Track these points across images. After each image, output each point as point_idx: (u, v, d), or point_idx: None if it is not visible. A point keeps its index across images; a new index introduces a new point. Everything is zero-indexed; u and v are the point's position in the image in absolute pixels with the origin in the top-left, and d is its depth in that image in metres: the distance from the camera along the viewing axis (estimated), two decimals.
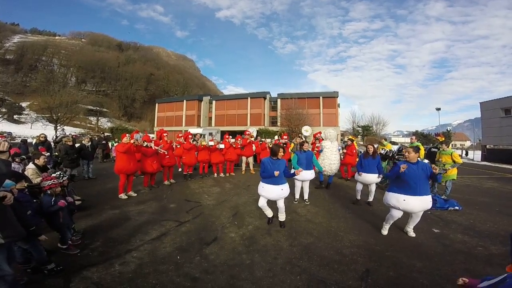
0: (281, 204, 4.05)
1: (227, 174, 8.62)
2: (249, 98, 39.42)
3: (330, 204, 5.41)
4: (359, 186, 5.51)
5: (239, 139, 9.39)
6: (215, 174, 8.40)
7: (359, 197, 5.53)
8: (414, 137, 8.11)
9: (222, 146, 8.34)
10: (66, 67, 68.92)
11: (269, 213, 4.19)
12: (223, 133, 15.96)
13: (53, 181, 3.04)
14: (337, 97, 35.74)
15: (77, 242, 3.25)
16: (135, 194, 5.82)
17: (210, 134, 24.03)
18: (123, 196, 5.56)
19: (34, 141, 10.11)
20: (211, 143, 8.10)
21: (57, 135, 9.74)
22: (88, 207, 4.65)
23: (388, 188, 3.77)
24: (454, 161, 6.09)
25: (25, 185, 2.83)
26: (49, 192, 3.00)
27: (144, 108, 65.63)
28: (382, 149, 7.98)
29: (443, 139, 6.75)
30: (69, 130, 33.32)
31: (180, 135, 8.42)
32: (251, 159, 9.33)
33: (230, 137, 9.33)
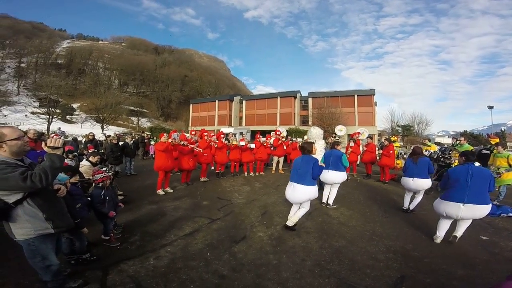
0: (302, 206, 3.84)
1: (257, 173, 8.71)
2: (278, 98, 39.35)
3: (365, 208, 5.19)
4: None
5: (269, 138, 9.41)
6: (246, 173, 8.53)
7: (405, 206, 5.01)
8: (462, 138, 7.42)
9: (253, 145, 8.44)
10: (109, 70, 74.49)
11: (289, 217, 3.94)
12: (253, 132, 16.10)
13: (104, 175, 3.30)
14: (373, 95, 33.99)
15: (118, 235, 3.47)
16: (172, 190, 6.15)
17: (241, 133, 24.43)
18: (160, 192, 5.91)
19: (84, 139, 11.23)
20: (242, 143, 8.25)
21: (101, 138, 10.66)
22: (129, 202, 5.01)
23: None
24: (510, 165, 5.46)
25: (78, 179, 3.15)
26: (100, 185, 3.24)
27: (179, 109, 68.87)
28: (426, 150, 7.39)
29: (497, 140, 6.08)
30: (114, 129, 36.35)
31: (212, 134, 8.69)
32: (281, 159, 9.30)
33: (261, 136, 9.41)
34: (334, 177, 5.01)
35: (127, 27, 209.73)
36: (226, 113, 43.96)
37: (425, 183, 4.71)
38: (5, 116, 40.69)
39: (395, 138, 8.88)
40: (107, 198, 3.24)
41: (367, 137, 8.92)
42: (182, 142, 6.48)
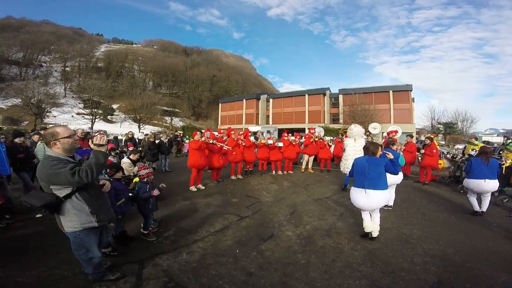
0: (374, 215, 3.55)
1: (285, 172, 8.66)
2: (306, 95, 38.63)
3: (402, 210, 4.92)
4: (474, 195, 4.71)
5: (298, 136, 9.29)
6: (274, 172, 8.54)
7: (477, 208, 4.65)
8: None
9: (281, 144, 8.42)
10: (144, 72, 78.96)
11: (367, 226, 3.56)
12: (281, 131, 15.99)
13: (149, 170, 3.53)
14: (410, 91, 31.80)
15: (154, 229, 3.63)
16: (203, 187, 6.40)
17: (268, 132, 24.45)
18: (193, 188, 6.18)
19: (124, 138, 12.09)
20: (270, 141, 8.26)
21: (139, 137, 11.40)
22: (164, 198, 5.27)
23: None
24: None
25: (121, 176, 3.40)
26: (145, 180, 3.46)
27: (209, 108, 71.08)
28: (472, 149, 6.77)
29: None
30: (149, 129, 38.70)
31: (240, 133, 8.81)
32: (311, 158, 9.15)
33: (290, 134, 9.33)
34: (392, 179, 4.60)
35: (158, 30, 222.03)
36: (253, 111, 44.27)
37: (496, 184, 4.50)
38: (55, 116, 45.47)
39: (433, 136, 8.15)
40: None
41: (406, 135, 8.31)
42: (211, 141, 6.68)
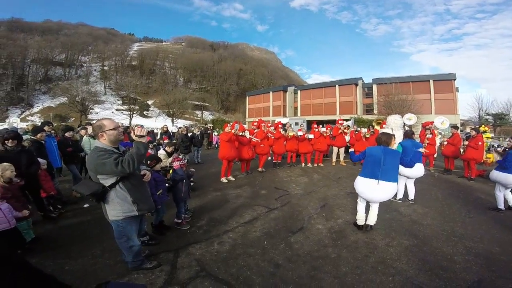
0: (373, 205, 3.49)
1: (315, 165, 8.50)
2: (337, 86, 37.15)
3: (444, 206, 4.60)
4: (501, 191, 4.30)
5: (329, 128, 9.03)
6: (303, 164, 8.42)
7: (502, 206, 4.28)
8: None
9: (311, 136, 8.25)
10: (174, 69, 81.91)
11: (360, 217, 3.56)
12: (309, 122, 15.62)
13: (182, 162, 3.72)
14: (454, 80, 28.99)
15: (188, 219, 3.76)
16: (233, 179, 6.55)
17: (297, 123, 24.02)
18: (224, 180, 6.35)
19: (159, 131, 12.75)
20: (300, 133, 8.14)
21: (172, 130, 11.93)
22: (197, 188, 5.53)
23: None
24: None
25: (160, 167, 3.60)
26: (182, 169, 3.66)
27: (237, 101, 71.89)
28: None
29: None
30: (182, 123, 40.36)
31: (269, 125, 8.76)
32: (342, 150, 8.84)
33: (320, 126, 9.08)
34: (414, 172, 4.45)
35: (185, 27, 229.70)
36: (280, 103, 43.83)
37: None
38: (97, 113, 49.32)
39: (486, 128, 7.27)
40: (184, 181, 3.63)
41: (451, 127, 7.63)
42: (241, 133, 6.72)
